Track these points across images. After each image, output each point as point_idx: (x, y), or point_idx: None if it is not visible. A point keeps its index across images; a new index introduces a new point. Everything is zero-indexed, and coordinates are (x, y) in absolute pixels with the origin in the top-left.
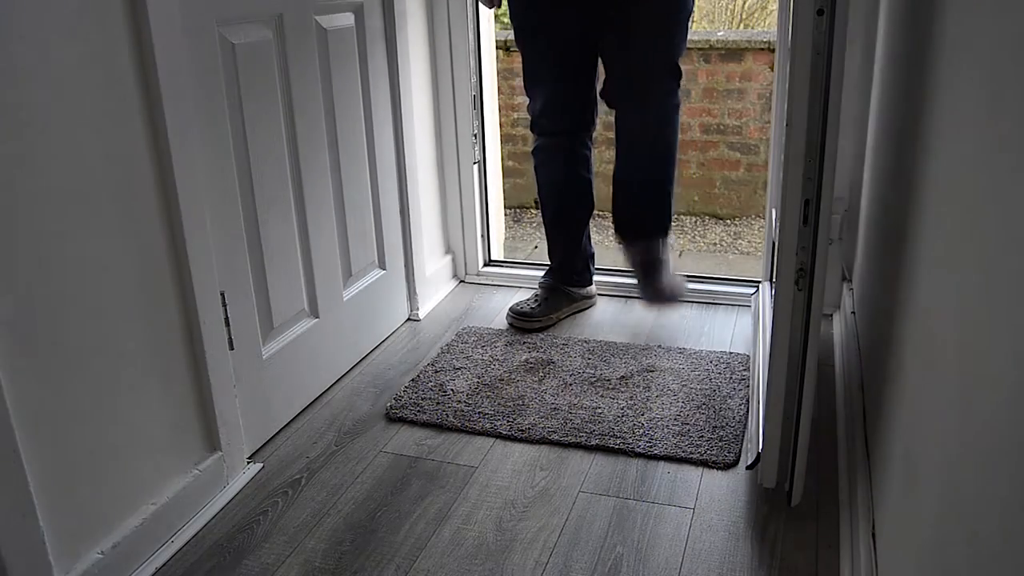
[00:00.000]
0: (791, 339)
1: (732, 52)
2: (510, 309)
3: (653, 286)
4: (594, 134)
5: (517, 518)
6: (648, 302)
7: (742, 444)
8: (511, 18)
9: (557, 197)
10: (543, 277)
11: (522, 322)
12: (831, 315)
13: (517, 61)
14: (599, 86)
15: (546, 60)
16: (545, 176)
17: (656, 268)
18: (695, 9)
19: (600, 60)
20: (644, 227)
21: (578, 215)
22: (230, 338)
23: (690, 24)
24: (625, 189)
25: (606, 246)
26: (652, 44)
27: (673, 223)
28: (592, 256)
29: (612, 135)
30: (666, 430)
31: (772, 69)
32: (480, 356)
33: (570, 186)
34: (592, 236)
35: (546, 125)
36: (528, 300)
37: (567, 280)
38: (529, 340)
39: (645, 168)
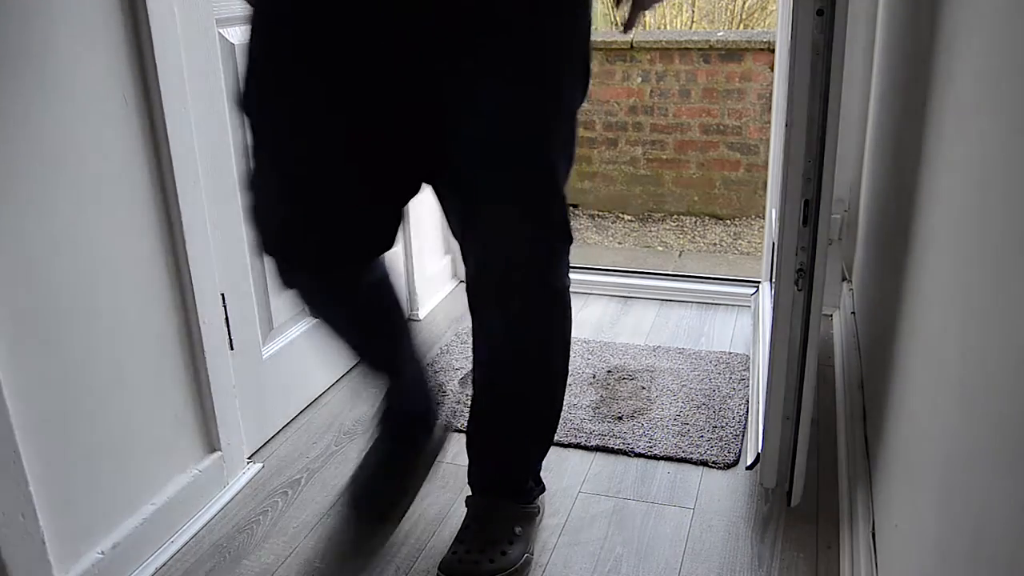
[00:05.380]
0: (791, 339)
1: (732, 52)
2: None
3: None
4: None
5: None
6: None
7: (742, 444)
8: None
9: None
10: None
11: None
12: (831, 315)
13: None
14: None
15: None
16: (335, 326)
17: (493, 540)
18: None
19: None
20: (489, 482)
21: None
22: (230, 338)
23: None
24: (476, 415)
25: (606, 246)
26: (517, 139)
27: (541, 481)
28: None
29: (611, 132)
30: (666, 430)
31: (772, 69)
32: None
33: (369, 342)
34: (590, 237)
35: (298, 254)
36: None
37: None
38: None
39: (503, 398)
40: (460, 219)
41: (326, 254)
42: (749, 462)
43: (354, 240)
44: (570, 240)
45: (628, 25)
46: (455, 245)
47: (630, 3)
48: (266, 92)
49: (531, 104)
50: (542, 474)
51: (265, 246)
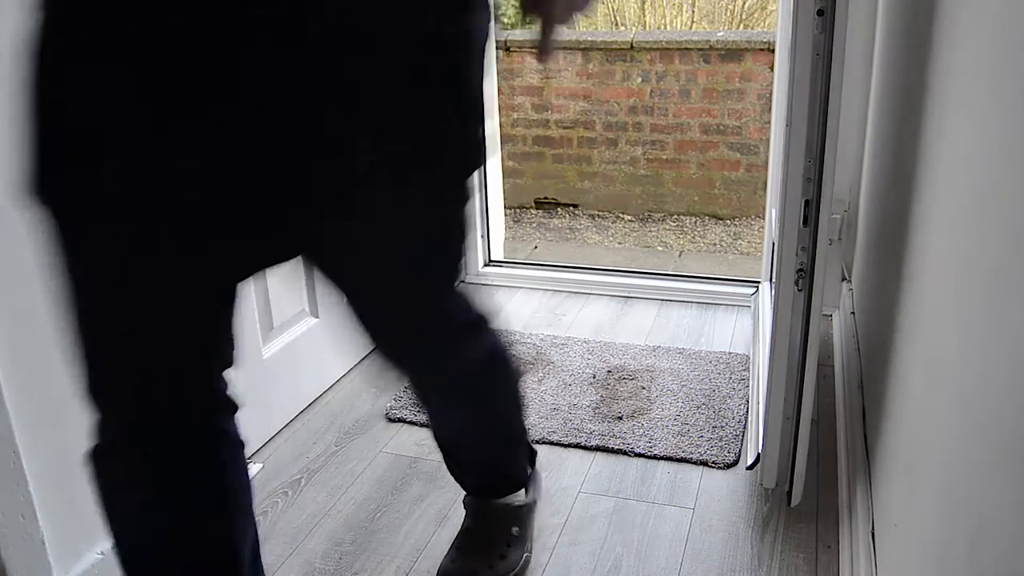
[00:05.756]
0: (791, 339)
1: (732, 52)
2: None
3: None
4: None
5: None
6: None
7: (742, 444)
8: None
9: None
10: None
11: None
12: (831, 315)
13: (517, 61)
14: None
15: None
16: (129, 527)
17: (491, 544)
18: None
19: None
20: (475, 488)
21: None
22: None
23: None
24: (440, 441)
25: (606, 246)
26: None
27: (531, 475)
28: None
29: (611, 132)
30: (666, 430)
31: (772, 69)
32: None
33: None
34: (590, 237)
35: (125, 411)
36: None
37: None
38: (529, 339)
39: (464, 427)
40: (339, 290)
41: (160, 403)
42: (749, 462)
43: (200, 378)
44: (458, 277)
45: (543, 50)
46: None
47: (540, 20)
48: (66, 162)
49: (414, 186)
50: (542, 472)
51: (90, 384)
